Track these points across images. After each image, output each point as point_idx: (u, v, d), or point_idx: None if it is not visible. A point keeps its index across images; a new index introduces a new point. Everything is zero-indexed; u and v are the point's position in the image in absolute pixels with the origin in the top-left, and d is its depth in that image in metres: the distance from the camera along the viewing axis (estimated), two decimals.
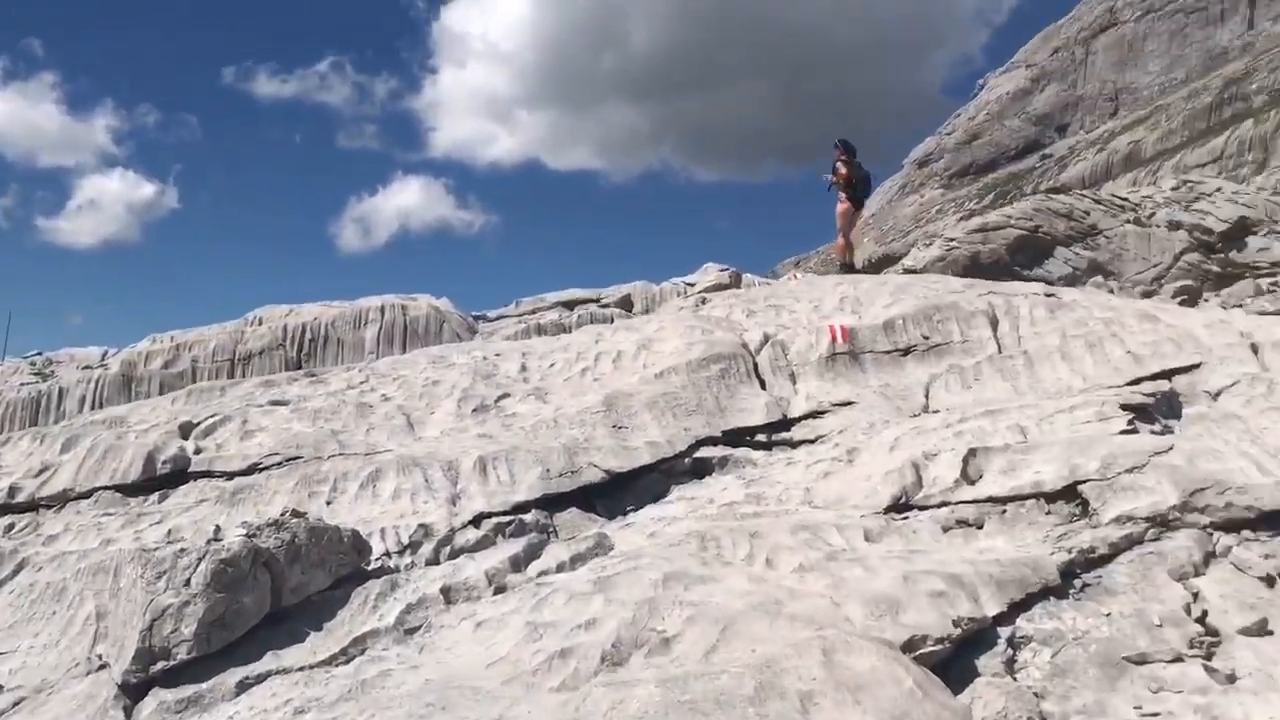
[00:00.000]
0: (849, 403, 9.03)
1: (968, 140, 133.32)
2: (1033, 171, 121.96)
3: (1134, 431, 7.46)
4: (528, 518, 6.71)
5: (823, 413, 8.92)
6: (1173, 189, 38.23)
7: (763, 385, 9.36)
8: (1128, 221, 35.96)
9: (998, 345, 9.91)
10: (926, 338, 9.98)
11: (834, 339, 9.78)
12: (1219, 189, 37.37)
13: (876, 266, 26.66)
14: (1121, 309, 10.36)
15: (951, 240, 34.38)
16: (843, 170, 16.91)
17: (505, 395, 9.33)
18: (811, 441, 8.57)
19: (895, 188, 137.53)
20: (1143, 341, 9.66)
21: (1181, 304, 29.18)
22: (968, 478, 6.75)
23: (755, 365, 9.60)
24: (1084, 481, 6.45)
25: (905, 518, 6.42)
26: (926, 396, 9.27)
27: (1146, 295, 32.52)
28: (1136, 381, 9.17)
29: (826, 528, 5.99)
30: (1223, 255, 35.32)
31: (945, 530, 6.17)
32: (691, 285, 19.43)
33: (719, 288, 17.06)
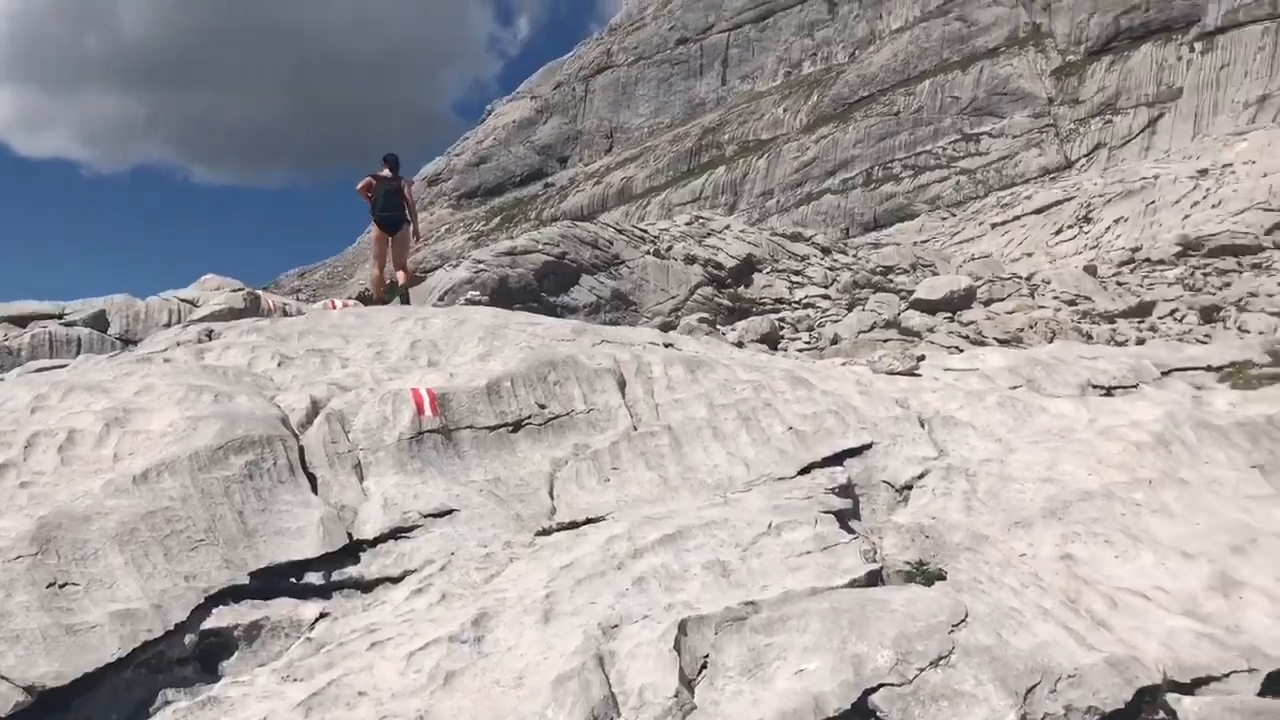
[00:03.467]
0: (448, 511, 6.08)
1: (476, 162, 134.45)
2: (536, 198, 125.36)
3: (880, 577, 5.23)
4: None
5: (410, 529, 5.89)
6: (686, 224, 38.98)
7: (314, 486, 6.12)
8: (648, 253, 35.96)
9: (632, 417, 7.43)
10: (543, 406, 7.27)
11: (420, 410, 6.77)
12: (728, 226, 38.65)
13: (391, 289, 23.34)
14: (767, 368, 8.33)
15: (480, 263, 32.25)
16: (362, 184, 13.74)
17: None
18: (396, 580, 5.52)
19: None
20: (801, 414, 7.64)
21: (708, 334, 29.19)
22: (689, 685, 4.10)
23: (301, 452, 6.33)
24: (876, 688, 4.04)
25: None
26: (553, 495, 6.56)
27: (667, 326, 32.50)
28: (808, 469, 7.10)
29: None
30: (733, 290, 36.44)
31: None
32: (191, 304, 15.12)
33: (231, 314, 13.16)
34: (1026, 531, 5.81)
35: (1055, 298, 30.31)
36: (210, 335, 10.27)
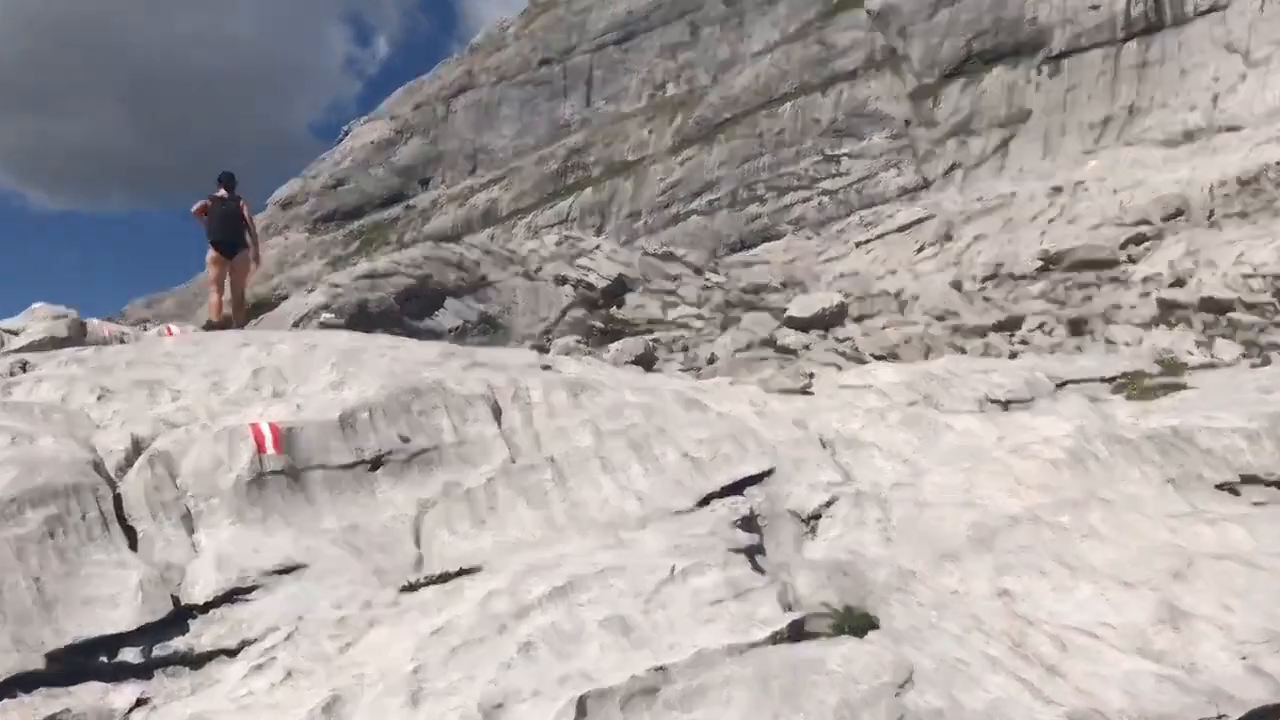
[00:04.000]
0: (295, 566, 5.18)
1: (333, 185, 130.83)
2: (398, 221, 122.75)
3: (803, 628, 4.55)
4: None
5: (250, 590, 4.97)
6: (556, 244, 38.21)
7: (133, 543, 5.15)
8: (518, 274, 35.05)
9: (510, 449, 6.62)
10: (406, 440, 6.40)
11: (261, 448, 5.83)
12: (598, 246, 38.06)
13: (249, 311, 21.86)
14: (658, 390, 7.61)
15: (337, 286, 30.87)
16: (197, 206, 12.67)
17: None
18: (232, 654, 4.60)
19: (259, 228, 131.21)
20: (697, 439, 6.95)
21: (587, 354, 28.46)
22: None
23: (119, 502, 5.34)
24: None
25: None
26: (419, 543, 5.70)
27: (539, 349, 31.64)
28: (707, 500, 6.40)
29: None
30: (605, 311, 35.79)
31: None
32: (13, 335, 13.69)
33: (53, 343, 11.84)
34: (956, 565, 5.21)
35: (925, 313, 30.52)
36: (24, 368, 9.07)
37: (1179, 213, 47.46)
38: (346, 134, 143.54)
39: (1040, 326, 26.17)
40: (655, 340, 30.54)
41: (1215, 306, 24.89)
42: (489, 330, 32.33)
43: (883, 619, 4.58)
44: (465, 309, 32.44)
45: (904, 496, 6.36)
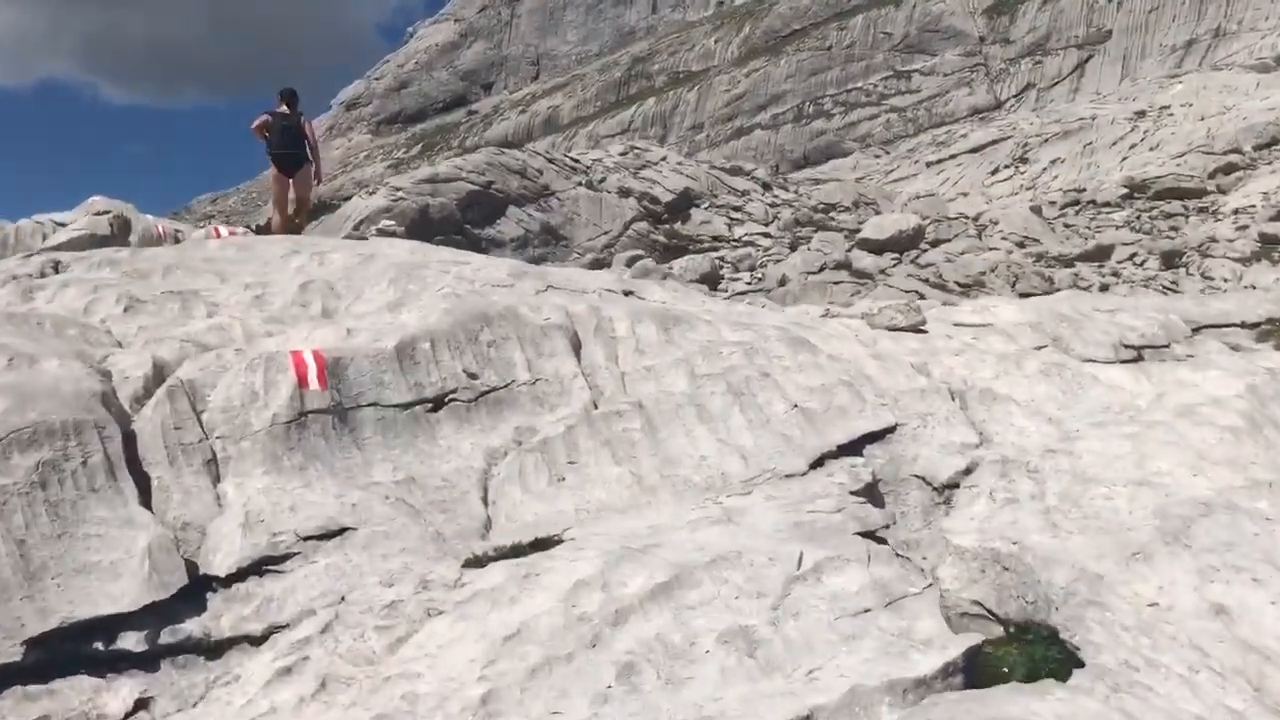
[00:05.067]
0: (339, 530, 4.28)
1: (397, 87, 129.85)
2: (460, 126, 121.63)
3: (978, 658, 3.57)
4: None
5: (283, 559, 4.08)
6: (620, 155, 36.92)
7: (145, 498, 4.26)
8: (580, 184, 33.91)
9: (591, 391, 5.65)
10: (474, 376, 5.45)
11: (303, 381, 4.91)
12: (664, 158, 36.73)
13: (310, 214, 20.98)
14: (758, 326, 6.57)
15: (399, 190, 29.94)
16: (258, 122, 12.16)
17: None
18: (257, 641, 3.74)
19: (322, 129, 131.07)
20: (807, 386, 5.94)
21: (658, 279, 27.53)
22: None
23: (130, 444, 4.45)
24: None
25: None
26: (487, 501, 4.78)
27: (599, 263, 30.68)
28: (820, 461, 5.41)
29: None
30: (669, 226, 34.62)
31: None
32: (63, 226, 12.86)
33: (91, 242, 10.97)
34: (1149, 567, 4.19)
35: (1004, 239, 29.05)
36: (56, 268, 8.23)
37: (1274, 141, 45.11)
38: (411, 35, 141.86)
39: (1131, 258, 24.68)
40: (720, 259, 29.43)
41: None
42: (550, 241, 31.37)
43: (1084, 649, 3.58)
44: (527, 218, 31.45)
45: (1059, 467, 5.32)
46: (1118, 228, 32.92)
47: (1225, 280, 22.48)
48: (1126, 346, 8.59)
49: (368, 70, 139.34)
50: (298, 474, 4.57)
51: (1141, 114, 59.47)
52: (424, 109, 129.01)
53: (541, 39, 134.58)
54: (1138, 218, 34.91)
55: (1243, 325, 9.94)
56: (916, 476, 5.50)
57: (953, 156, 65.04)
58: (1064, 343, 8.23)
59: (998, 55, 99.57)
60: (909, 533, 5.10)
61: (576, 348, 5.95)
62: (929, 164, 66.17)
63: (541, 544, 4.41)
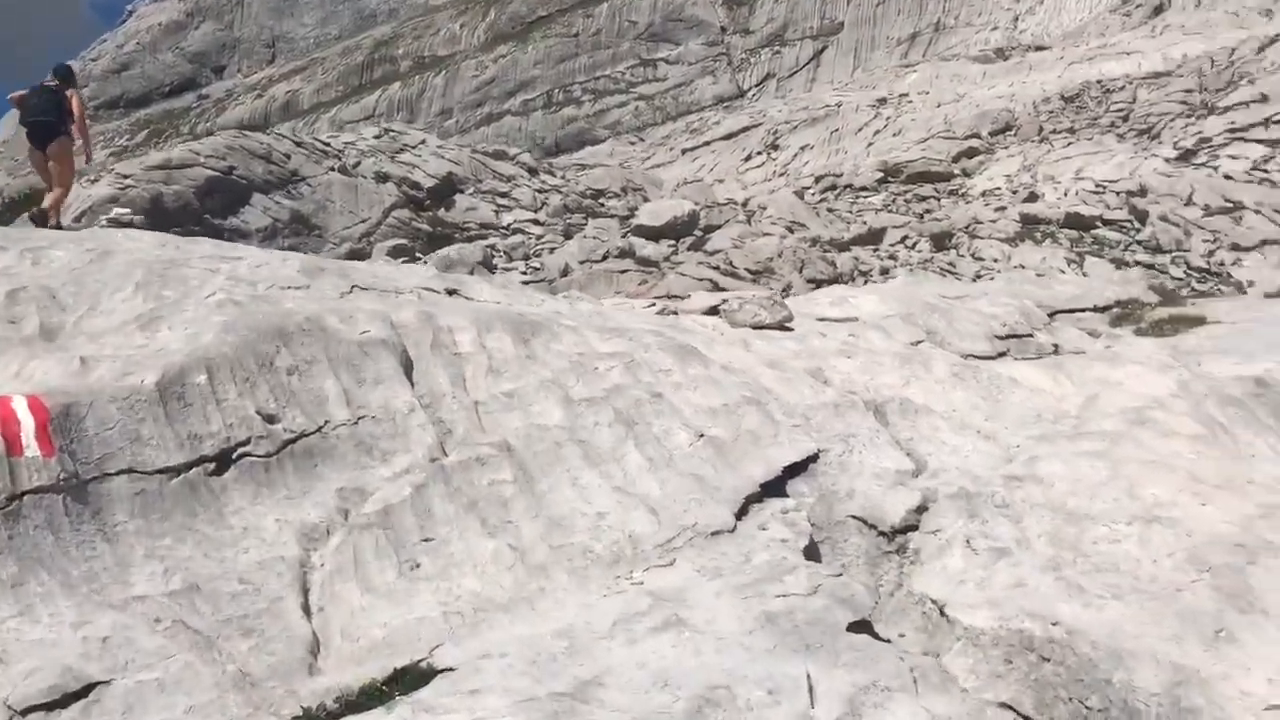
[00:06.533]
0: (86, 688, 2.68)
1: (116, 70, 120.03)
2: (190, 111, 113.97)
3: None
4: None
5: None
6: (376, 138, 34.57)
7: None
8: (333, 169, 31.42)
9: (436, 430, 4.17)
10: (272, 420, 3.87)
11: (12, 444, 3.22)
12: (424, 141, 34.68)
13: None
14: (631, 330, 5.24)
15: (126, 178, 26.68)
16: (17, 94, 10.74)
17: None
18: None
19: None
20: (707, 407, 4.68)
21: (404, 263, 25.62)
22: None
23: None
24: None
25: None
26: (310, 612, 3.27)
27: (356, 255, 28.51)
28: (744, 509, 4.18)
29: None
30: (432, 213, 32.63)
31: None
32: None
33: None
34: (1239, 649, 3.15)
35: (773, 223, 28.81)
36: None
37: (1008, 127, 47.45)
38: (131, 14, 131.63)
39: (903, 240, 24.84)
40: (492, 247, 27.87)
41: (1080, 223, 24.04)
42: (303, 231, 28.88)
43: None
44: (275, 206, 28.78)
45: (1031, 499, 4.28)
46: (877, 211, 33.46)
47: (995, 260, 22.82)
48: (998, 337, 7.81)
49: (82, 51, 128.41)
50: (8, 596, 2.91)
51: (883, 101, 61.71)
52: (148, 93, 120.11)
53: (277, 20, 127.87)
54: (894, 201, 35.68)
55: (1094, 309, 9.43)
56: (856, 518, 4.33)
57: (707, 143, 65.56)
58: (939, 336, 7.34)
59: (739, 45, 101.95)
60: (862, 589, 3.92)
61: (408, 369, 4.43)
62: (684, 151, 66.46)
63: (404, 677, 2.95)
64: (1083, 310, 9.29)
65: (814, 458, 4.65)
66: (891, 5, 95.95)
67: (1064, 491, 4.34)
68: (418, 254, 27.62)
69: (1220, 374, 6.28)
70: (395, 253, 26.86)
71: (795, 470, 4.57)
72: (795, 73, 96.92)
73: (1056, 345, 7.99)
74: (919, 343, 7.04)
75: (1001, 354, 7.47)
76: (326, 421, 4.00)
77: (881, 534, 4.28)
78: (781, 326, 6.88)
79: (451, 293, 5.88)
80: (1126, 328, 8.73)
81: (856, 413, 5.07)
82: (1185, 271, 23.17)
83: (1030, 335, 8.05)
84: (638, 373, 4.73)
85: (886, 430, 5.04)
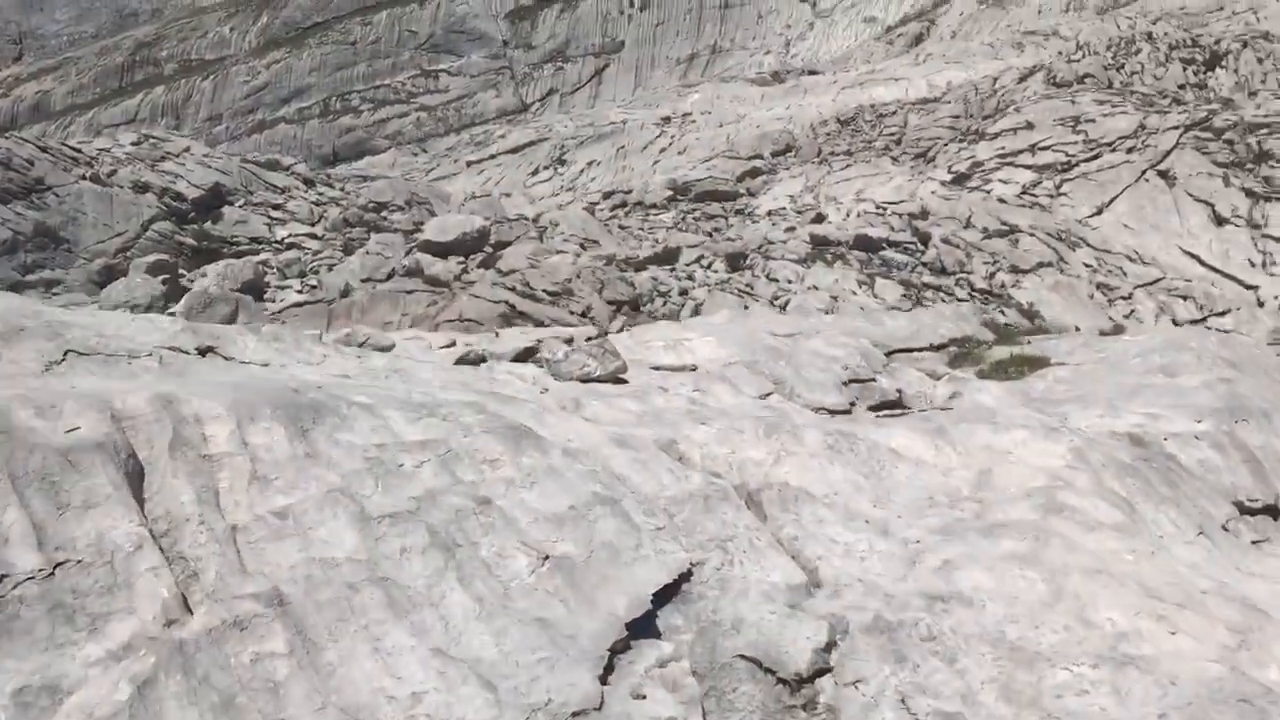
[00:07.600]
0: None
1: None
2: None
3: None
4: None
5: None
6: (134, 144, 31.71)
7: None
8: (84, 178, 28.53)
9: (176, 575, 2.91)
10: None
11: None
12: (188, 149, 32.07)
13: None
14: (438, 400, 4.07)
15: None
16: None
17: None
18: None
19: None
20: (551, 514, 3.69)
21: (165, 282, 23.28)
22: None
23: None
24: None
25: None
26: None
27: (113, 270, 25.93)
28: (611, 664, 3.13)
29: None
30: (197, 226, 30.09)
31: None
32: None
33: None
34: None
35: (566, 240, 27.89)
36: None
37: (788, 148, 48.37)
38: None
39: (698, 260, 24.35)
40: (264, 263, 25.78)
41: (868, 244, 24.19)
42: (48, 245, 26.04)
43: None
44: (15, 218, 25.81)
45: (963, 629, 3.41)
46: (668, 229, 33.10)
47: (790, 282, 22.60)
48: (846, 384, 7.03)
49: None
50: None
51: (668, 120, 62.07)
52: None
53: (24, 15, 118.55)
54: (684, 219, 35.49)
55: (931, 348, 8.82)
56: (747, 659, 3.35)
57: (493, 156, 64.34)
58: (788, 386, 6.50)
59: (522, 60, 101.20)
60: None
61: (136, 482, 3.15)
62: (469, 163, 64.99)
63: None
64: (919, 349, 8.69)
65: (686, 575, 3.64)
66: (670, 26, 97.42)
67: (1000, 617, 3.48)
68: (181, 270, 25.24)
69: (1092, 429, 5.67)
70: (155, 269, 24.45)
71: (665, 594, 3.54)
72: (578, 89, 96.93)
73: (900, 390, 7.29)
74: (769, 394, 6.17)
75: (853, 403, 6.71)
76: (4, 576, 2.70)
77: (782, 681, 3.31)
78: (615, 379, 5.86)
79: (206, 351, 4.56)
80: (968, 369, 8.15)
81: (729, 505, 4.09)
82: (969, 293, 23.65)
83: (873, 379, 7.33)
84: (457, 469, 3.59)
85: (766, 527, 4.08)
